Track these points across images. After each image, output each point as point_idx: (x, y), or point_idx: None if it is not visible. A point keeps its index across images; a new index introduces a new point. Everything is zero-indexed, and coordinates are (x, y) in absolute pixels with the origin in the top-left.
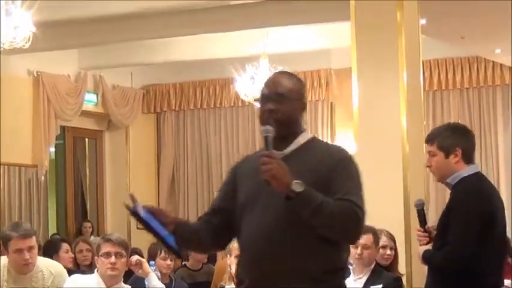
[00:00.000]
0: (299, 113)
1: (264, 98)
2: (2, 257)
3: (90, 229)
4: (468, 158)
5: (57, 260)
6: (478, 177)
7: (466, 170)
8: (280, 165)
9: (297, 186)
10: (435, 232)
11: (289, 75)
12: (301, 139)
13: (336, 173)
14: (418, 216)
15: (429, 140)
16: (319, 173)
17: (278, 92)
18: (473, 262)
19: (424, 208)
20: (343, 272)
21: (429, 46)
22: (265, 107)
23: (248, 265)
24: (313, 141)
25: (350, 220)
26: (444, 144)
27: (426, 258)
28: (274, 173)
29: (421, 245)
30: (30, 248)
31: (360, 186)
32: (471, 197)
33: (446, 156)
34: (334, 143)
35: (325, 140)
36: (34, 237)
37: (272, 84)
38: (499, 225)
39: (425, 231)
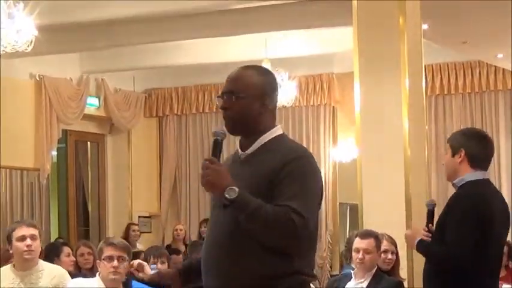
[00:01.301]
0: (260, 110)
1: (221, 96)
2: (3, 268)
3: (139, 232)
4: (476, 163)
5: (58, 264)
6: (482, 183)
7: (473, 175)
8: (216, 171)
9: (231, 192)
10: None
11: (253, 70)
12: (265, 138)
13: (280, 176)
14: (427, 216)
15: (448, 139)
16: (269, 176)
17: (230, 89)
18: (468, 263)
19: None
20: (290, 278)
21: (431, 51)
22: (220, 106)
23: (203, 272)
24: (278, 139)
25: (284, 227)
26: (453, 143)
27: (420, 246)
28: (210, 179)
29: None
30: (32, 236)
31: (307, 190)
32: (469, 200)
33: (453, 155)
34: (296, 143)
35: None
36: (38, 230)
37: (228, 81)
38: (496, 229)
39: (428, 230)
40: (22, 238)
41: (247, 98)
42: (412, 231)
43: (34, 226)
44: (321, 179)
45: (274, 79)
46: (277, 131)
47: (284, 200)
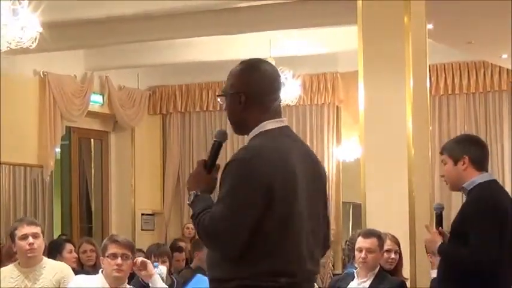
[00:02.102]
0: (241, 107)
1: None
2: (7, 267)
3: (193, 231)
4: (479, 166)
5: (60, 261)
6: (494, 184)
7: (481, 177)
8: (193, 174)
9: (190, 197)
10: (448, 235)
11: (237, 66)
12: (250, 136)
13: (221, 179)
14: (435, 219)
15: (441, 150)
16: None
17: (222, 90)
18: (495, 265)
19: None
20: (236, 281)
21: (436, 50)
22: None
23: None
24: (256, 137)
25: (203, 232)
26: (453, 153)
27: (443, 250)
28: (187, 180)
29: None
30: (35, 235)
31: (233, 191)
32: (487, 201)
33: (455, 163)
34: (253, 144)
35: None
36: (39, 228)
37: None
38: (510, 228)
39: (439, 233)
40: (24, 237)
41: (230, 96)
42: (431, 235)
43: (35, 224)
44: (255, 179)
45: (256, 70)
46: (262, 127)
47: (214, 203)
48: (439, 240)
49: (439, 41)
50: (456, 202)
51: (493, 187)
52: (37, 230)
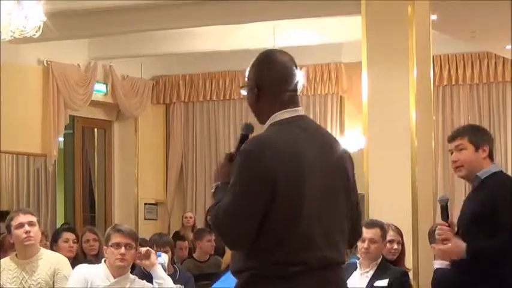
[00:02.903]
0: (255, 98)
1: None
2: (5, 259)
3: (192, 219)
4: (492, 156)
5: (55, 250)
6: (504, 173)
7: (495, 167)
8: (219, 167)
9: (212, 189)
10: (456, 228)
11: (254, 58)
12: (264, 128)
13: (232, 170)
14: (441, 212)
15: (458, 134)
16: None
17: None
18: None
19: (448, 204)
20: (247, 272)
21: (440, 41)
22: None
23: None
24: (264, 131)
25: (212, 223)
26: (474, 139)
27: (477, 251)
28: (213, 174)
29: (441, 239)
30: (30, 223)
31: (236, 183)
32: (508, 187)
33: (476, 150)
34: (259, 135)
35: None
36: (35, 217)
37: None
38: None
39: (449, 225)
40: (20, 225)
41: (249, 89)
42: (452, 243)
43: (31, 213)
44: (258, 171)
45: (268, 62)
46: (274, 118)
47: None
48: (462, 244)
49: (443, 31)
50: (459, 193)
51: (508, 177)
52: (32, 218)
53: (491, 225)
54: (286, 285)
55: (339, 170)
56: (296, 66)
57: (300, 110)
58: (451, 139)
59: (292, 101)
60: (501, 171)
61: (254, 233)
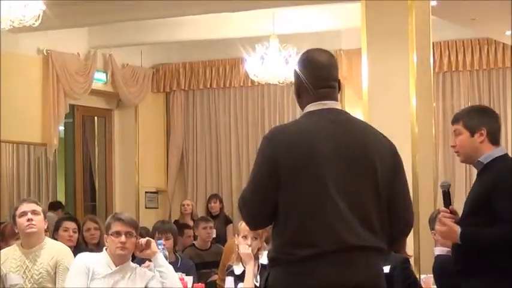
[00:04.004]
0: (298, 96)
1: None
2: (10, 247)
3: (189, 207)
4: (494, 139)
5: (56, 239)
6: (508, 157)
7: (497, 151)
8: None
9: None
10: (458, 214)
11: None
12: None
13: None
14: (443, 198)
15: (455, 119)
16: None
17: None
18: None
19: (450, 189)
20: (274, 262)
21: (439, 27)
22: None
23: None
24: None
25: (238, 207)
26: (470, 123)
27: (468, 237)
28: None
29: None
30: (33, 212)
31: (253, 171)
32: (509, 173)
33: (472, 135)
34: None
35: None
36: (39, 207)
37: None
38: None
39: (450, 212)
40: (23, 214)
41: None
42: (448, 226)
43: (35, 202)
44: (267, 157)
45: (302, 61)
46: (305, 110)
47: None
48: (457, 228)
49: (443, 17)
50: (460, 180)
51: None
52: (36, 207)
53: (487, 214)
54: (295, 269)
55: (365, 160)
56: (333, 63)
57: (331, 104)
58: (451, 123)
59: (325, 95)
60: (505, 154)
61: (267, 215)
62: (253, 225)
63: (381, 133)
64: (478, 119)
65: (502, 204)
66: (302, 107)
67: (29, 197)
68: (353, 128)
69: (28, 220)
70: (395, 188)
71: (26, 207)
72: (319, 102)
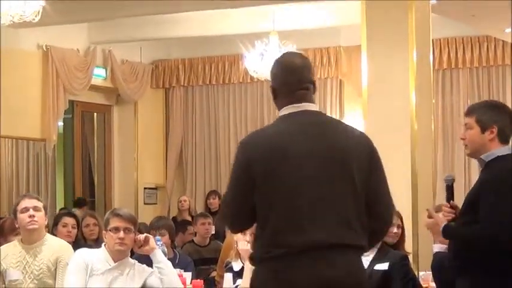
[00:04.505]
0: (275, 99)
1: None
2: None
3: (186, 203)
4: (504, 138)
5: (55, 234)
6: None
7: (501, 150)
8: None
9: None
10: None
11: None
12: None
13: None
14: (446, 192)
15: (469, 112)
16: None
17: None
18: (508, 240)
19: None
20: (254, 260)
21: (439, 24)
22: None
23: None
24: None
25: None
26: (482, 119)
27: (448, 232)
28: None
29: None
30: (35, 208)
31: (231, 176)
32: (504, 175)
33: (482, 131)
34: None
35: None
36: (41, 203)
37: None
38: None
39: (451, 207)
40: (25, 210)
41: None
42: (434, 219)
43: (36, 198)
44: (242, 162)
45: (276, 64)
46: (279, 114)
47: None
48: (441, 223)
49: (442, 15)
50: (459, 176)
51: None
52: (38, 203)
53: (477, 213)
54: (272, 266)
55: (341, 160)
56: (307, 65)
57: (306, 106)
58: (465, 115)
59: (299, 98)
60: (507, 154)
61: (247, 217)
62: (234, 227)
63: (358, 131)
64: (491, 115)
65: (483, 205)
66: (279, 109)
67: (29, 193)
68: (327, 128)
69: (30, 216)
70: (373, 186)
71: (27, 203)
72: (293, 105)
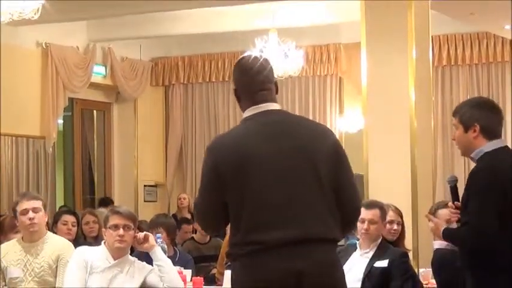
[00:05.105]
0: (238, 102)
1: None
2: (11, 241)
3: (185, 200)
4: (490, 133)
5: (55, 232)
6: (498, 152)
7: (488, 146)
8: None
9: None
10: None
11: None
12: None
13: None
14: (450, 193)
15: (454, 113)
16: None
17: None
18: (494, 240)
19: (457, 184)
20: (230, 256)
21: (439, 21)
22: None
23: None
24: None
25: None
26: (463, 118)
27: (446, 235)
28: None
29: (452, 222)
30: (35, 209)
31: (201, 181)
32: (487, 172)
33: (465, 130)
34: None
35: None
36: (40, 202)
37: None
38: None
39: (456, 207)
40: (25, 212)
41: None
42: (435, 223)
43: (36, 198)
44: (210, 166)
45: (236, 67)
46: (243, 116)
47: None
48: (441, 227)
49: (442, 12)
50: (459, 174)
51: (499, 157)
52: (37, 204)
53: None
54: (246, 262)
55: (303, 155)
56: (265, 66)
57: (267, 106)
58: (452, 115)
59: (260, 99)
60: (493, 150)
61: (219, 219)
62: (208, 229)
63: (322, 125)
64: (472, 114)
65: (470, 204)
66: (243, 112)
67: (29, 192)
68: (291, 126)
69: (30, 219)
70: (339, 178)
71: (27, 204)
72: (254, 106)
